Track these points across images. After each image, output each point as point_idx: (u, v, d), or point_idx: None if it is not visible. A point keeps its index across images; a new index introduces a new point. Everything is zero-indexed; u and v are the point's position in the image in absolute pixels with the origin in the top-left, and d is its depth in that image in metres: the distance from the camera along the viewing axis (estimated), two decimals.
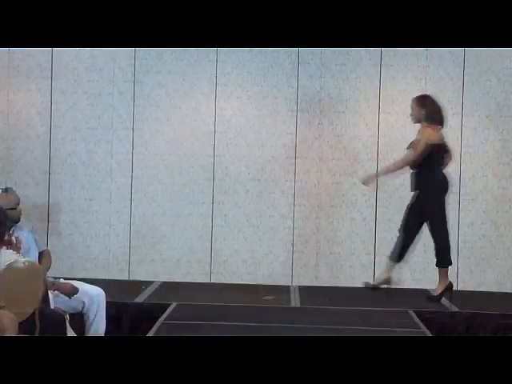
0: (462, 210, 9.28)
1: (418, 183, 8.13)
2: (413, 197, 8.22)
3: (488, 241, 9.27)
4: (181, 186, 9.37)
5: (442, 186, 8.15)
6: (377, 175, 8.46)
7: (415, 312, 7.72)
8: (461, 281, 9.26)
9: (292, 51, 9.31)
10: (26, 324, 5.65)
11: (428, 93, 9.25)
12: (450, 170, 9.24)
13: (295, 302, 8.42)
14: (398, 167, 8.17)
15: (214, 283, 9.29)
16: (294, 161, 9.35)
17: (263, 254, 9.35)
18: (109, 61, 9.35)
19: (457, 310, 7.99)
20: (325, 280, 9.29)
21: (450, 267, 8.55)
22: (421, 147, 8.00)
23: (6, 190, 8.31)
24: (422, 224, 8.18)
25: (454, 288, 9.14)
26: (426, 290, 9.09)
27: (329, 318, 7.46)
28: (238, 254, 9.34)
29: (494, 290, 9.18)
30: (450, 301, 8.14)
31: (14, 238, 6.18)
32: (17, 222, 6.74)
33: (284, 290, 8.91)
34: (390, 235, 9.25)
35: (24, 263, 5.87)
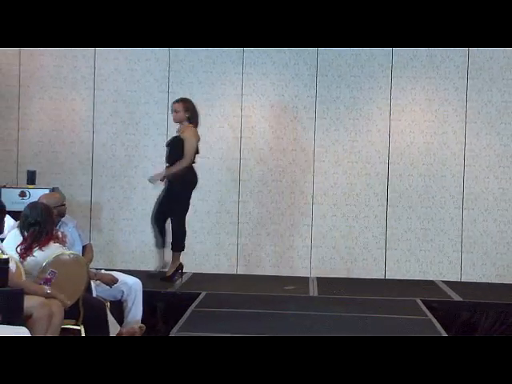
0: (465, 209, 9.26)
1: (174, 177, 8.12)
2: (163, 190, 8.25)
3: (489, 237, 9.24)
4: (210, 186, 9.40)
5: (194, 181, 8.25)
6: (165, 176, 8.19)
7: (422, 301, 7.72)
8: (464, 273, 9.25)
9: (311, 64, 9.33)
10: (70, 310, 5.72)
11: (435, 102, 9.28)
12: (455, 172, 9.28)
13: (313, 291, 8.43)
14: (181, 166, 8.10)
15: (240, 274, 9.31)
16: (312, 164, 9.37)
17: (284, 249, 9.37)
18: (146, 73, 9.41)
19: (460, 299, 7.98)
20: (340, 272, 9.30)
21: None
22: (193, 145, 8.11)
23: (53, 190, 8.41)
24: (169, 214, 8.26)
25: (458, 279, 9.21)
26: (433, 281, 9.11)
27: (344, 307, 7.47)
28: (262, 248, 9.37)
29: (495, 281, 9.15)
30: (181, 280, 8.32)
31: (60, 234, 6.21)
32: (62, 217, 6.79)
33: (303, 281, 8.93)
34: (400, 231, 9.29)
35: (69, 256, 5.96)
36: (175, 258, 8.33)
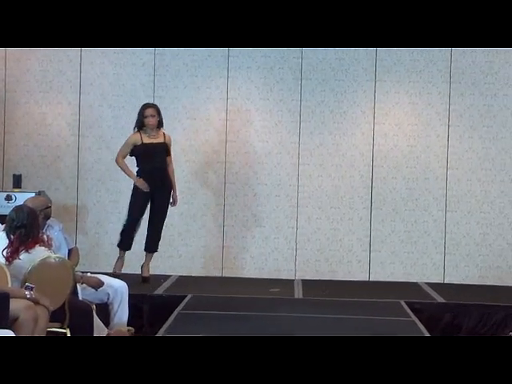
0: (448, 211, 9.30)
1: (168, 177, 8.30)
2: (150, 195, 8.24)
3: (472, 239, 9.28)
4: (196, 189, 9.40)
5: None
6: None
7: (406, 303, 7.73)
8: (447, 275, 9.28)
9: (296, 69, 9.34)
10: (56, 313, 5.71)
11: (418, 106, 9.32)
12: (438, 175, 9.31)
13: (298, 293, 8.44)
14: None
15: (225, 277, 9.31)
16: (297, 167, 9.38)
17: (269, 251, 9.37)
18: (131, 77, 9.40)
19: (444, 301, 8.00)
20: (325, 274, 9.31)
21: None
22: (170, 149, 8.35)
23: (39, 193, 8.39)
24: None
25: (441, 281, 9.24)
26: (416, 282, 9.14)
27: (328, 309, 7.47)
28: (247, 250, 9.36)
29: (477, 283, 9.18)
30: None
31: (46, 237, 6.20)
32: (48, 219, 6.77)
33: (288, 283, 8.94)
34: (384, 234, 9.32)
35: (55, 259, 5.95)
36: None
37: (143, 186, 8.21)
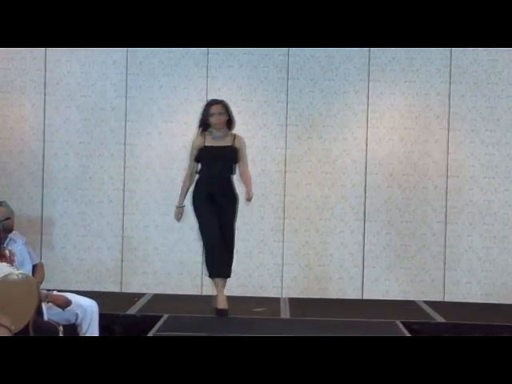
0: (448, 223, 9.35)
1: (233, 188, 7.85)
2: (217, 204, 7.80)
3: (474, 253, 9.34)
4: (172, 199, 9.36)
5: None
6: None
7: (403, 323, 7.77)
8: (447, 292, 9.32)
9: (282, 67, 9.39)
10: (20, 335, 5.69)
11: (415, 108, 9.37)
12: (437, 184, 9.37)
13: (285, 313, 8.46)
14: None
15: (205, 295, 9.31)
16: (283, 174, 9.42)
17: (253, 267, 9.40)
18: (101, 76, 9.41)
19: (443, 320, 8.05)
20: (314, 292, 9.34)
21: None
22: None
23: (0, 204, 8.37)
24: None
25: (441, 299, 9.28)
26: (413, 301, 9.18)
27: (318, 330, 7.49)
28: None
29: (480, 301, 9.25)
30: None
31: (7, 252, 6.20)
32: (9, 232, 6.77)
33: (274, 302, 8.95)
34: (378, 248, 9.35)
35: (18, 276, 5.92)
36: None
37: (176, 216, 7.92)
